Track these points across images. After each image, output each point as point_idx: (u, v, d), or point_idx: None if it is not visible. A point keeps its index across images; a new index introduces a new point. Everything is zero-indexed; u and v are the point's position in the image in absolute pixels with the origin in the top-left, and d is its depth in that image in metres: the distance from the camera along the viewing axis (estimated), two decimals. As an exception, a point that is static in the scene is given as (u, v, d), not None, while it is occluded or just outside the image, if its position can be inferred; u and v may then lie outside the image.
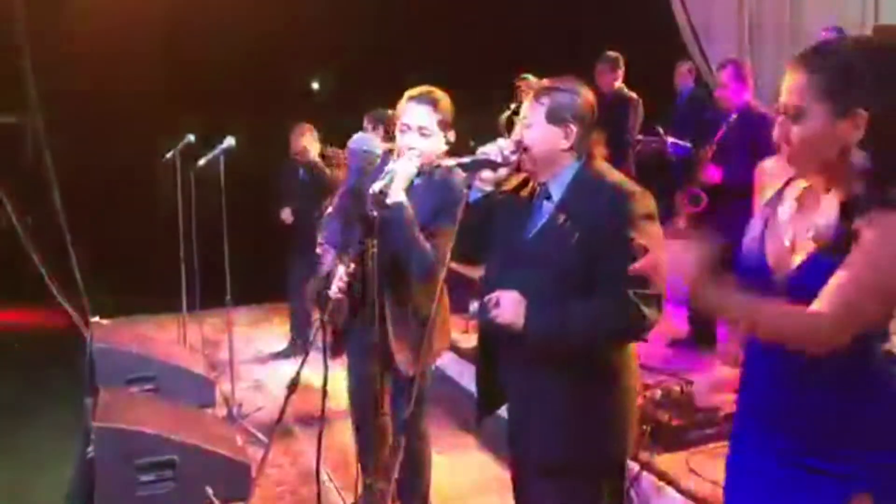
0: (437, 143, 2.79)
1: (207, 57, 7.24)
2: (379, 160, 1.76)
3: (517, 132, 2.29)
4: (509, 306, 2.14)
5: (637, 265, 1.95)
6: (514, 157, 2.25)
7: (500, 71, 7.36)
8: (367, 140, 1.75)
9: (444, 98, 2.84)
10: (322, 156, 5.74)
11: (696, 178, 4.53)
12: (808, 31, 6.33)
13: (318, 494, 2.59)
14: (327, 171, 5.63)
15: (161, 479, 3.45)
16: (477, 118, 7.31)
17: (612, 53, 5.87)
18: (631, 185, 2.23)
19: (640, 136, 5.75)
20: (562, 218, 2.20)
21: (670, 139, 5.26)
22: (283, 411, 2.97)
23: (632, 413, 2.34)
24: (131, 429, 3.44)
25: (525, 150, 2.24)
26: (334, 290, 2.65)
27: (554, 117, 2.23)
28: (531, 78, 6.90)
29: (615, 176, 2.28)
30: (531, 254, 2.24)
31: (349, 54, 8.27)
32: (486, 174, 2.29)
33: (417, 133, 2.74)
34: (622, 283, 2.09)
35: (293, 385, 2.95)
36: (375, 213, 1.59)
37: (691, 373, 4.35)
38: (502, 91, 7.16)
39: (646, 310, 2.10)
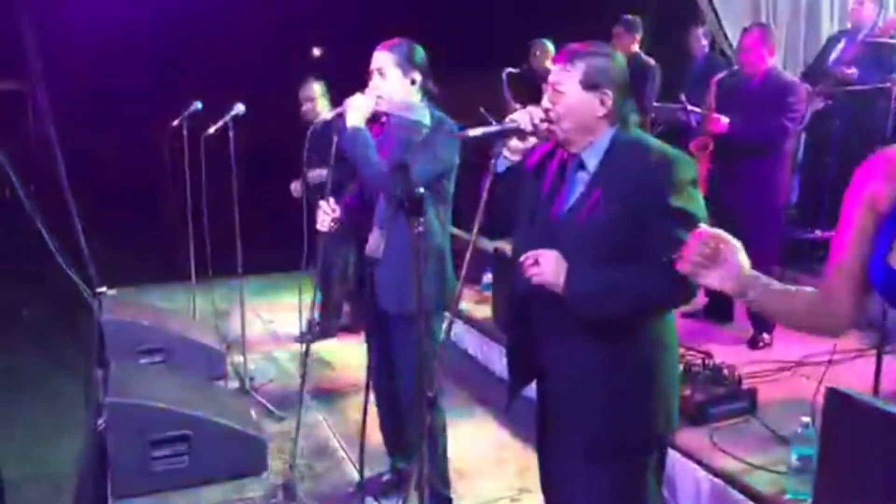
0: (395, 82, 2.91)
1: (212, 26, 7.11)
2: (427, 131, 1.65)
3: (547, 99, 2.17)
4: (549, 265, 2.04)
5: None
6: (544, 126, 2.14)
7: (509, 36, 7.23)
8: (415, 109, 1.64)
9: (401, 42, 2.97)
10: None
11: (705, 127, 4.52)
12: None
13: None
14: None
15: (176, 454, 3.42)
16: (485, 84, 7.23)
17: (629, 16, 5.71)
18: (673, 151, 2.13)
19: (657, 104, 5.63)
20: (599, 190, 2.10)
21: (689, 106, 5.15)
22: (306, 354, 2.94)
23: (675, 388, 2.28)
24: (145, 404, 3.39)
25: (557, 118, 2.13)
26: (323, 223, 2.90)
27: (589, 83, 2.10)
28: (547, 42, 6.80)
29: (653, 142, 2.17)
30: (568, 228, 2.13)
31: (352, 19, 8.11)
32: (515, 143, 2.19)
33: (377, 75, 2.92)
34: (666, 250, 1.99)
35: (309, 340, 2.94)
36: (423, 191, 1.49)
37: (709, 345, 4.30)
38: (511, 55, 7.05)
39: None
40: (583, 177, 2.17)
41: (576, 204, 2.15)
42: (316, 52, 10.39)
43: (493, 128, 2.18)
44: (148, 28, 6.91)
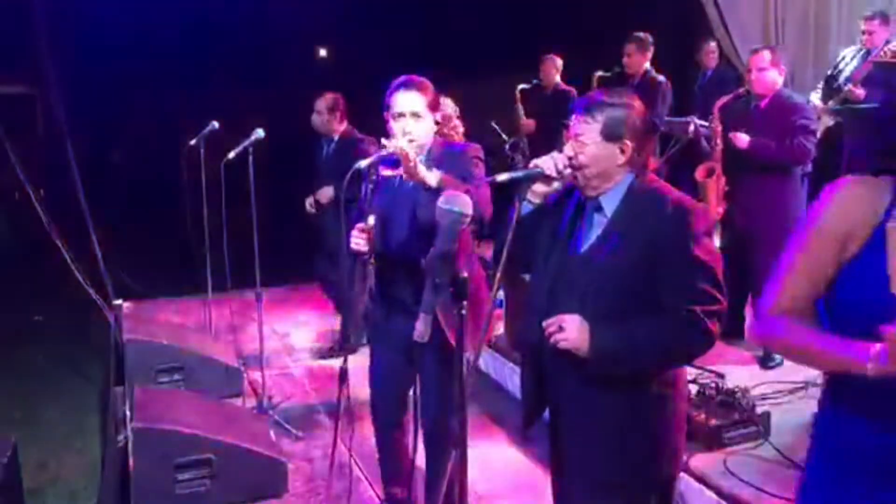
0: (429, 124, 2.95)
1: (228, 38, 7.16)
2: (468, 220, 1.72)
3: (569, 147, 2.24)
4: (573, 331, 2.12)
5: None
6: (567, 171, 2.21)
7: (520, 49, 7.29)
8: (458, 201, 1.71)
9: (426, 83, 2.97)
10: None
11: (715, 146, 4.57)
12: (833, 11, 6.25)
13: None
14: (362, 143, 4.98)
15: (198, 477, 3.48)
16: (496, 96, 7.28)
17: (641, 34, 5.75)
18: (690, 201, 2.21)
19: (668, 118, 5.67)
20: (616, 234, 2.18)
21: (699, 121, 5.18)
22: (339, 400, 2.98)
23: (683, 426, 2.34)
24: (169, 429, 3.46)
25: (579, 166, 2.20)
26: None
27: (610, 134, 2.19)
28: (556, 58, 6.86)
29: (669, 189, 2.25)
30: (585, 268, 2.21)
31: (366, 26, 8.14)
32: (539, 187, 2.25)
33: (411, 118, 2.89)
34: (686, 300, 2.08)
35: (344, 375, 2.99)
36: (466, 274, 1.55)
37: (720, 364, 4.34)
38: (523, 69, 7.10)
39: (711, 325, 2.09)
40: (600, 219, 2.25)
41: (594, 245, 2.23)
42: (322, 52, 10.42)
43: (519, 173, 2.25)
44: (166, 39, 6.95)
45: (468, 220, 1.73)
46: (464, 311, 1.54)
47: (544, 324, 2.15)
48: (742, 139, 4.39)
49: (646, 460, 2.25)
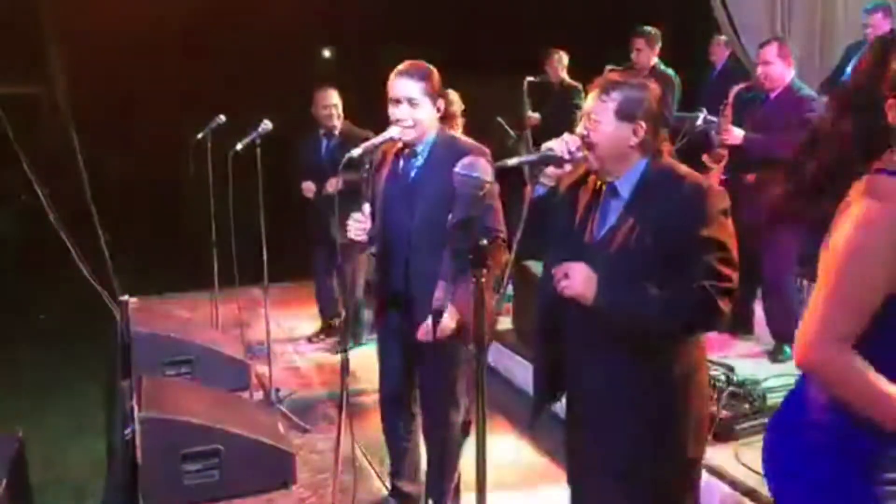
0: (427, 111, 2.87)
1: (226, 33, 7.15)
2: (489, 187, 1.70)
3: (582, 128, 2.23)
4: (579, 277, 2.10)
5: None
6: (579, 154, 2.20)
7: (527, 42, 7.27)
8: (477, 166, 1.69)
9: (428, 69, 2.90)
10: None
11: (720, 139, 4.55)
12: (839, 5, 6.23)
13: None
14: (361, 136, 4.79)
15: (206, 468, 3.47)
16: (502, 92, 7.26)
17: (648, 28, 5.73)
18: (706, 182, 2.20)
19: (676, 114, 5.64)
20: (632, 219, 2.16)
21: (708, 116, 5.16)
22: (343, 391, 2.96)
23: (706, 409, 2.34)
24: (177, 419, 3.45)
25: (592, 146, 2.18)
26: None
27: (624, 114, 2.17)
28: (562, 52, 6.84)
29: (686, 171, 2.23)
30: (601, 255, 2.18)
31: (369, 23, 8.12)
32: (551, 170, 2.24)
33: (407, 104, 2.83)
34: (699, 276, 2.08)
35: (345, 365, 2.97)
36: (486, 242, 1.54)
37: (730, 358, 4.32)
38: (528, 61, 7.08)
39: (720, 302, 2.08)
40: (616, 205, 2.23)
41: (609, 231, 2.21)
42: (325, 53, 10.40)
43: (531, 156, 2.25)
44: (170, 36, 6.94)
45: (488, 185, 1.71)
46: (483, 279, 1.51)
47: (552, 272, 2.13)
48: (736, 135, 4.35)
49: (670, 444, 2.23)
